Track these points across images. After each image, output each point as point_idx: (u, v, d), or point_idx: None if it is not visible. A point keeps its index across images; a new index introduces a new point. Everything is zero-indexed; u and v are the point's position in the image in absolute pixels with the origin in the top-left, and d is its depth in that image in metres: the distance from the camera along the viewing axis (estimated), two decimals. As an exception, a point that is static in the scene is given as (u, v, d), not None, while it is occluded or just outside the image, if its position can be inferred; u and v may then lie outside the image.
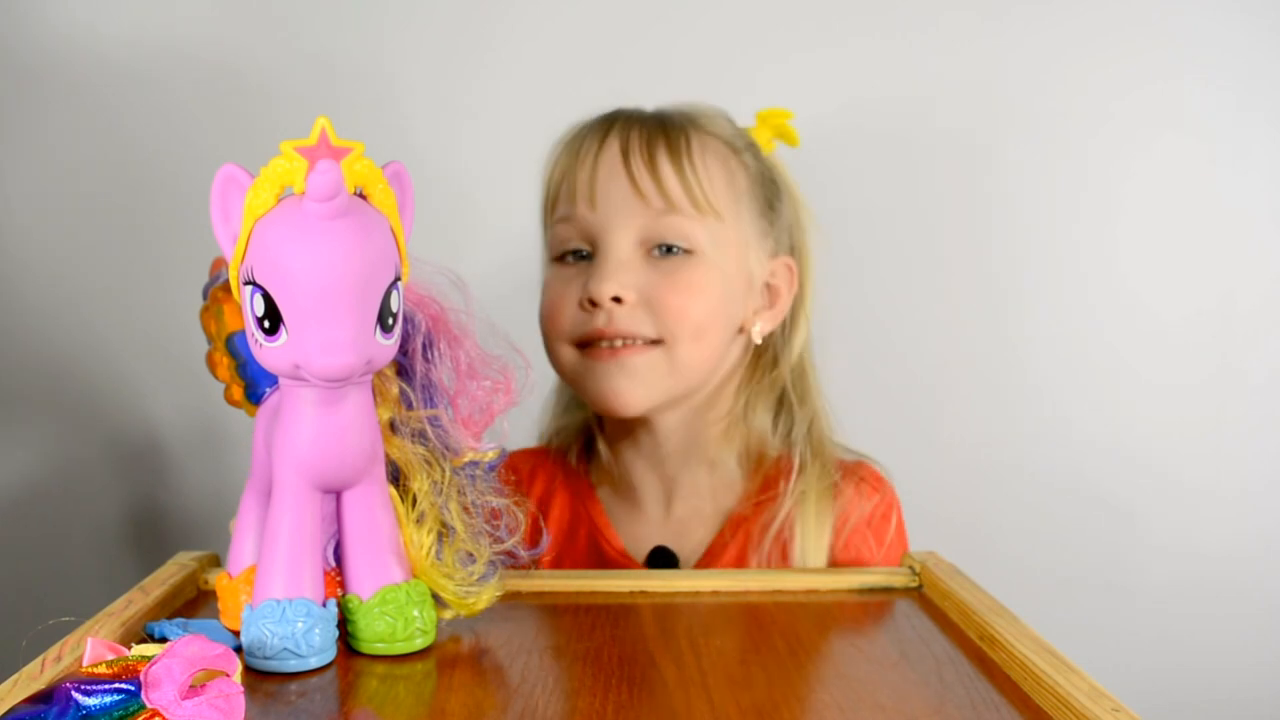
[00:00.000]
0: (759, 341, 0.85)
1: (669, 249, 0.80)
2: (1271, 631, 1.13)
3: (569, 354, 0.82)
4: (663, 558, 0.83)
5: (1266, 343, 1.11)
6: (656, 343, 0.79)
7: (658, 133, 0.81)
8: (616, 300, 0.78)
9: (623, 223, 0.79)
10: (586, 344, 0.81)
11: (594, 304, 0.79)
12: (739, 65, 1.08)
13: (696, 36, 1.08)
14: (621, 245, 0.79)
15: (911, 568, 0.71)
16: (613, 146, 0.81)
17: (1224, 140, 1.09)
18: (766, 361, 0.87)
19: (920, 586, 0.70)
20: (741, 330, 0.84)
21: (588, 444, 0.91)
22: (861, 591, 0.70)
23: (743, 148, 0.84)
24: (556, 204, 0.83)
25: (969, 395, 1.12)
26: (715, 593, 0.68)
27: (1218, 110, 1.08)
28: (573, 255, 0.82)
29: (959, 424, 1.12)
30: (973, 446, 1.12)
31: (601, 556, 0.85)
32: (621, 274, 0.79)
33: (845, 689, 0.54)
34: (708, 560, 0.83)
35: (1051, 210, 1.10)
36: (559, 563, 0.86)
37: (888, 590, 0.70)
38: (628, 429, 0.86)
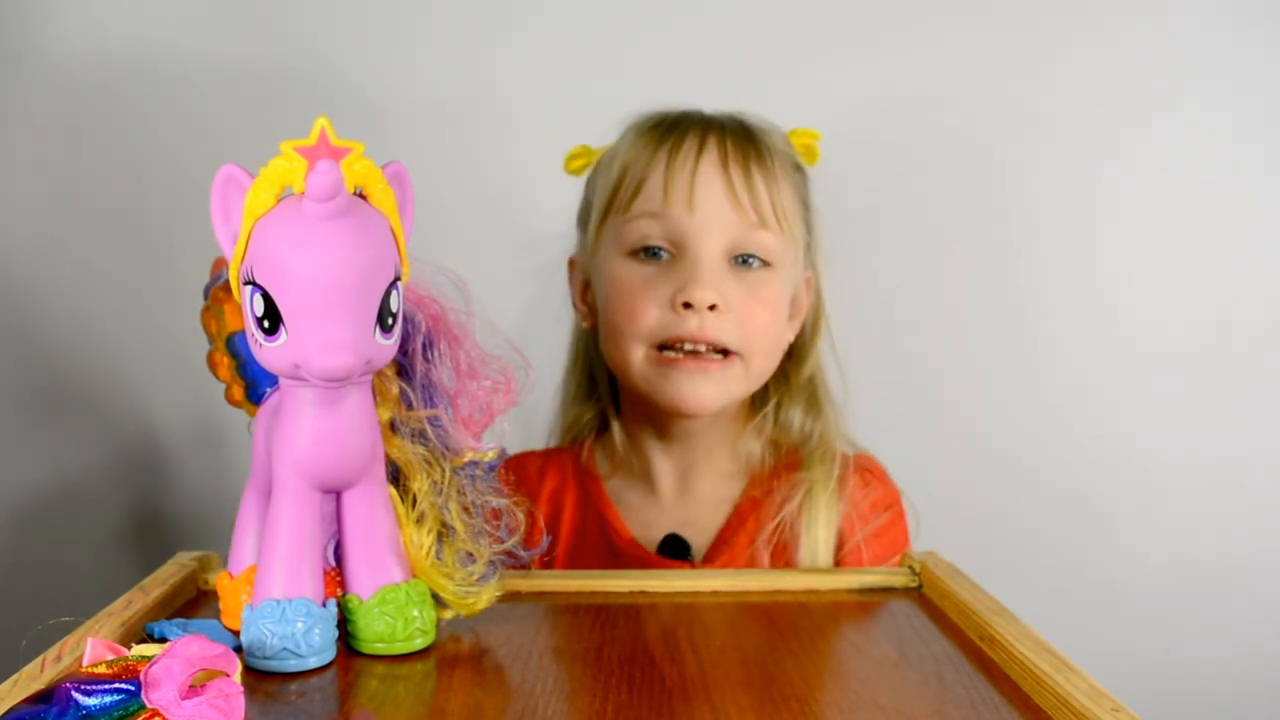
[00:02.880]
0: (783, 346, 0.88)
1: (746, 260, 0.82)
2: (1272, 628, 1.13)
3: (643, 354, 0.82)
4: (675, 545, 0.84)
5: (1265, 345, 1.11)
6: (730, 354, 0.81)
7: (748, 144, 0.83)
8: (712, 308, 0.79)
9: (718, 231, 0.81)
10: (664, 346, 0.81)
11: (688, 307, 0.79)
12: (749, 69, 1.07)
13: (706, 40, 1.08)
14: (714, 253, 0.81)
15: (911, 568, 0.71)
16: (710, 153, 0.81)
17: (1227, 137, 1.09)
18: (792, 360, 0.89)
19: (920, 586, 0.70)
20: None
21: (598, 434, 0.91)
22: (861, 591, 0.70)
23: (795, 167, 0.87)
24: (636, 196, 0.82)
25: (969, 396, 1.12)
26: (715, 593, 0.68)
27: (1222, 106, 1.09)
28: (646, 252, 0.82)
29: (959, 425, 1.11)
30: (972, 447, 1.12)
31: (612, 548, 0.85)
32: (717, 282, 0.80)
33: (845, 689, 0.54)
34: (718, 546, 0.84)
35: (1049, 213, 1.10)
36: (573, 558, 0.87)
37: (888, 590, 0.70)
38: (651, 416, 0.86)
